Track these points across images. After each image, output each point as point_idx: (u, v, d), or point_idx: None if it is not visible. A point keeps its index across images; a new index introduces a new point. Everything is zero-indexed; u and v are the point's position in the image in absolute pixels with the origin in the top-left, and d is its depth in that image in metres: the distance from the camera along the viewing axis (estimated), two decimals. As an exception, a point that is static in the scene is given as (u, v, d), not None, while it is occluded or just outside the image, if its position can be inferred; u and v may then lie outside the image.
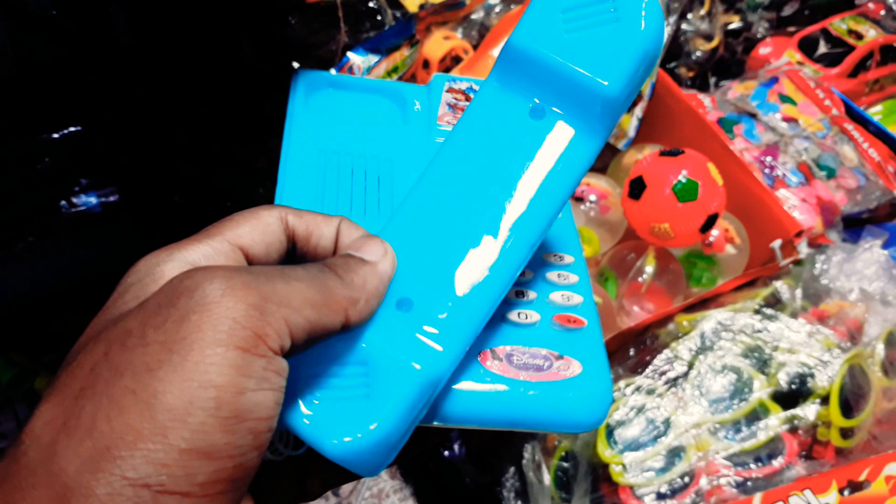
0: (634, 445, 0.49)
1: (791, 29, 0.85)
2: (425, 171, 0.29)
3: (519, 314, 0.31)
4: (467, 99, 0.40)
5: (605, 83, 0.27)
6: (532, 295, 0.32)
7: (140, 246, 0.69)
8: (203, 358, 0.19)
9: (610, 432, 0.50)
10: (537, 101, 0.28)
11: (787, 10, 0.86)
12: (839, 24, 0.83)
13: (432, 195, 0.29)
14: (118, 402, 0.18)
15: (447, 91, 0.41)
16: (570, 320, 0.31)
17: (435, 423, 0.28)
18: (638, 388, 0.51)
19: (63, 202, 0.60)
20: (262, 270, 0.21)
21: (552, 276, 0.33)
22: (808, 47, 0.82)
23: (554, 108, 0.28)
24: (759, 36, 0.81)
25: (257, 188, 0.56)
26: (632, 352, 0.54)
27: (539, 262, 0.34)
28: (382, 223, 0.29)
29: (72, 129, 0.56)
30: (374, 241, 0.26)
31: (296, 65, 0.50)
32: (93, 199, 0.60)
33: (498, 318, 0.30)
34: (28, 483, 0.18)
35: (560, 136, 0.28)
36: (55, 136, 0.56)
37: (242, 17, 0.50)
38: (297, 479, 0.30)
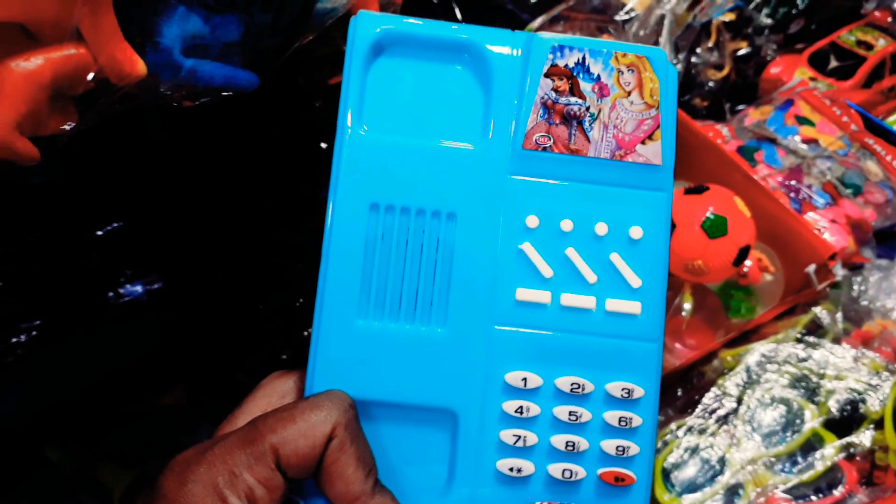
0: (692, 487, 0.49)
1: (799, 46, 0.86)
2: None
3: (564, 471, 0.28)
4: (574, 89, 0.28)
5: None
6: (583, 445, 0.28)
7: (187, 329, 0.70)
8: None
9: (666, 475, 0.50)
10: None
11: (794, 28, 0.86)
12: (847, 37, 0.84)
13: None
14: None
15: (546, 75, 0.28)
16: (616, 478, 0.28)
17: None
18: (690, 429, 0.51)
19: (110, 293, 0.62)
20: None
21: (611, 417, 0.28)
22: (818, 63, 0.83)
23: None
24: (768, 58, 0.82)
25: (297, 264, 0.57)
26: (679, 392, 0.54)
27: (600, 392, 0.29)
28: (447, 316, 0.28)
29: (115, 224, 0.58)
30: None
31: (323, 145, 0.52)
32: (139, 288, 0.62)
33: (541, 470, 0.28)
34: None
35: None
36: (99, 233, 0.58)
37: (269, 105, 0.52)
38: None
